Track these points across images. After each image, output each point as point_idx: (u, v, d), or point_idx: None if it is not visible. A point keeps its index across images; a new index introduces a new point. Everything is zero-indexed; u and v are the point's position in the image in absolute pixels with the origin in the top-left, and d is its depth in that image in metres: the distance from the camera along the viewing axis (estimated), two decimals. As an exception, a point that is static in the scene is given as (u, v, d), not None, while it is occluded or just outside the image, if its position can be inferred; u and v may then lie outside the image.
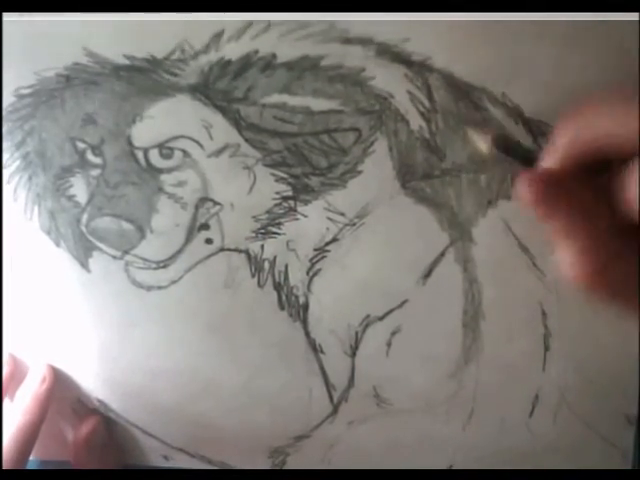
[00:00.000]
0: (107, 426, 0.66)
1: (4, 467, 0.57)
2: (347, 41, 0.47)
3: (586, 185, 0.39)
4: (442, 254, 0.55)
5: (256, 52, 0.48)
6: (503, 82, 0.48)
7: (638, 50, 0.46)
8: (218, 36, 0.48)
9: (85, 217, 0.55)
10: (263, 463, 0.66)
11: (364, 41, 0.47)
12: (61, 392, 0.64)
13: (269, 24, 0.47)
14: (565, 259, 0.39)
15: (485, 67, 0.48)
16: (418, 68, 0.48)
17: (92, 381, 0.64)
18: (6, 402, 0.63)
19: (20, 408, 0.61)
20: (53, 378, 0.63)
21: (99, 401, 0.65)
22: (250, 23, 0.47)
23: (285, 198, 0.53)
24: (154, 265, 0.56)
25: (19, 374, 0.64)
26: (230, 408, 0.64)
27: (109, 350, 0.62)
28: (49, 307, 0.60)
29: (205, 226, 0.55)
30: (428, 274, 0.56)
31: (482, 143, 0.48)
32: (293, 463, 0.66)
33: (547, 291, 0.56)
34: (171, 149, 0.52)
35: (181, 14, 0.47)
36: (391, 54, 0.48)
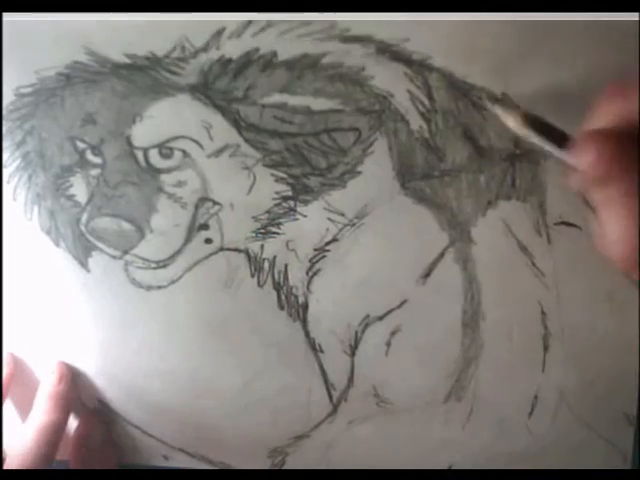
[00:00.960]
0: (107, 426, 0.66)
1: (31, 467, 0.57)
2: (347, 39, 0.47)
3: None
4: (442, 254, 0.55)
5: (257, 50, 0.48)
6: (503, 81, 0.49)
7: (638, 50, 0.46)
8: (219, 33, 0.48)
9: (85, 217, 0.55)
10: (262, 463, 0.66)
11: (364, 39, 0.47)
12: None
13: (269, 22, 0.47)
14: (611, 234, 0.36)
15: (485, 67, 0.48)
16: (418, 67, 0.48)
17: (92, 381, 0.64)
18: (6, 402, 0.64)
19: (40, 409, 0.61)
20: (69, 376, 0.63)
21: (99, 401, 0.65)
22: (251, 21, 0.47)
23: (285, 198, 0.53)
24: (154, 265, 0.56)
25: (19, 374, 0.63)
26: (230, 407, 0.63)
27: (109, 350, 0.61)
28: (49, 307, 0.60)
29: (205, 226, 0.55)
30: (428, 274, 0.56)
31: (512, 121, 0.47)
32: (292, 463, 0.66)
33: (547, 291, 0.56)
34: (171, 149, 0.52)
35: (179, 17, 0.47)
36: (391, 52, 0.48)
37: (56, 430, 0.60)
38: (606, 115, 0.38)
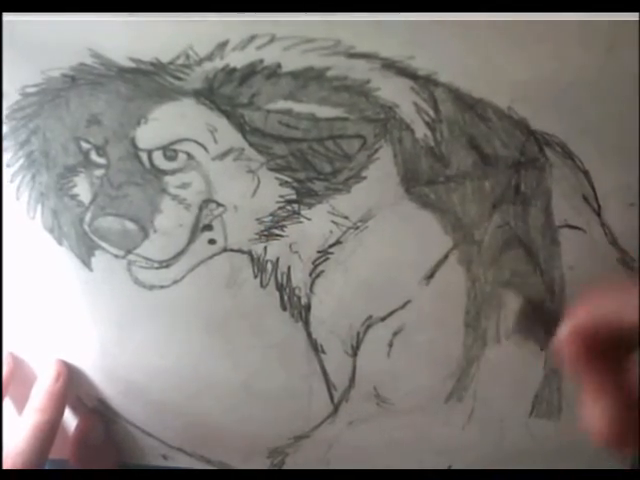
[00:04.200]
0: (106, 425, 0.66)
1: (23, 467, 0.57)
2: (352, 56, 0.47)
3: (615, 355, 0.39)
4: (445, 256, 0.55)
5: (261, 61, 0.48)
6: (509, 97, 0.49)
7: (638, 51, 0.46)
8: (223, 45, 0.47)
9: (88, 216, 0.54)
10: (262, 463, 0.66)
11: (369, 56, 0.47)
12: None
13: (273, 37, 0.47)
14: (591, 415, 0.39)
15: (491, 82, 0.48)
16: (424, 82, 0.48)
17: (92, 379, 0.64)
18: (6, 401, 0.64)
19: (35, 406, 0.60)
20: (67, 374, 0.63)
21: (98, 400, 0.65)
22: (254, 35, 0.46)
23: (289, 201, 0.53)
24: (157, 264, 0.56)
25: (19, 373, 0.64)
26: (230, 407, 0.64)
27: (109, 348, 0.62)
28: (50, 304, 0.61)
29: (208, 227, 0.55)
30: (431, 275, 0.56)
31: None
32: (292, 463, 0.66)
33: (550, 291, 0.56)
34: (175, 151, 0.52)
35: (184, 18, 0.46)
36: (397, 68, 0.48)
37: (50, 429, 0.60)
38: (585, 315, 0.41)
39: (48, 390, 0.61)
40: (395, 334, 0.59)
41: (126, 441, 0.67)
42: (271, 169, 0.52)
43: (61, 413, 0.62)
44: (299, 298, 0.58)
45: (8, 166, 0.54)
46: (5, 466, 0.57)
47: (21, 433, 0.59)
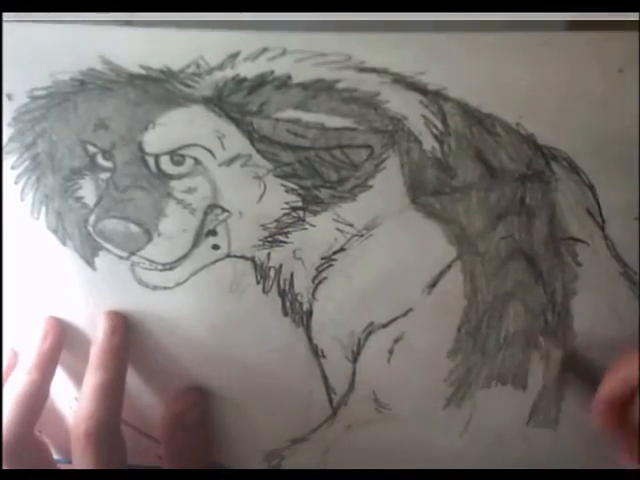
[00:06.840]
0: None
1: (97, 431, 0.55)
2: (363, 70, 0.47)
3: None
4: (449, 266, 0.55)
5: (271, 72, 0.48)
6: (518, 113, 0.49)
7: (638, 51, 0.46)
8: (234, 56, 0.47)
9: (92, 218, 0.54)
10: (259, 465, 0.66)
11: (380, 71, 0.47)
12: (59, 390, 0.64)
13: (285, 50, 0.47)
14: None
15: (500, 99, 0.48)
16: (433, 96, 0.48)
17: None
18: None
19: (94, 365, 0.58)
20: (124, 327, 0.60)
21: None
22: (266, 48, 0.47)
23: (294, 208, 0.53)
24: (160, 267, 0.56)
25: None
26: (229, 410, 0.64)
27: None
28: (52, 304, 0.61)
29: (213, 232, 0.55)
30: (434, 284, 0.56)
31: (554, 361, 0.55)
32: (288, 466, 0.66)
33: (551, 302, 0.56)
34: (182, 156, 0.52)
35: (196, 21, 0.46)
36: (406, 83, 0.48)
37: (115, 386, 0.58)
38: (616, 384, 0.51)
39: (105, 346, 0.59)
40: (396, 341, 0.59)
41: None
42: (278, 176, 0.52)
43: (124, 368, 0.59)
44: (301, 304, 0.58)
45: (13, 168, 0.54)
46: (79, 432, 0.56)
47: (86, 396, 0.57)
